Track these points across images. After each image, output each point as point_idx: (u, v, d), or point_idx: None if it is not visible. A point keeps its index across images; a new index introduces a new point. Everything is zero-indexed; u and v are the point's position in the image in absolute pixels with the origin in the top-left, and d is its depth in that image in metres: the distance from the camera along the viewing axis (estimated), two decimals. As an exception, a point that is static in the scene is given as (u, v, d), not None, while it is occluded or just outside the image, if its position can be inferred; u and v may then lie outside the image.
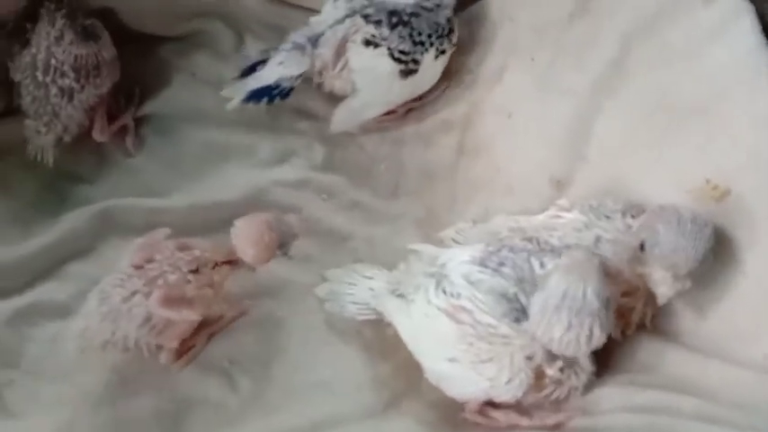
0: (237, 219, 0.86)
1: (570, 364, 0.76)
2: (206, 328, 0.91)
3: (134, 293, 0.84)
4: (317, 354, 0.91)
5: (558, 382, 0.76)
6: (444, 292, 0.79)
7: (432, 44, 1.02)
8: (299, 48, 1.02)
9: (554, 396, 0.77)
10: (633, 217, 0.81)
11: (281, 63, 1.02)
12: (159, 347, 0.87)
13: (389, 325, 0.86)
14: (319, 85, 1.05)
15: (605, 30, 0.92)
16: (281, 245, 0.86)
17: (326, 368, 0.89)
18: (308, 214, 1.01)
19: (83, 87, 1.03)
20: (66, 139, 1.05)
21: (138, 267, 0.85)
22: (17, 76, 1.04)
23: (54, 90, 1.02)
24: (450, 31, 1.04)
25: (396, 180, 1.05)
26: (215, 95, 1.08)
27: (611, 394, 0.78)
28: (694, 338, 0.80)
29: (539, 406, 0.79)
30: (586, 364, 0.77)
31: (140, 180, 1.07)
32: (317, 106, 1.09)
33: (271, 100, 1.02)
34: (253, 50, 1.14)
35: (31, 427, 0.87)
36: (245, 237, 0.86)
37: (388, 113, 1.07)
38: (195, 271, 0.86)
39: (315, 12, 1.07)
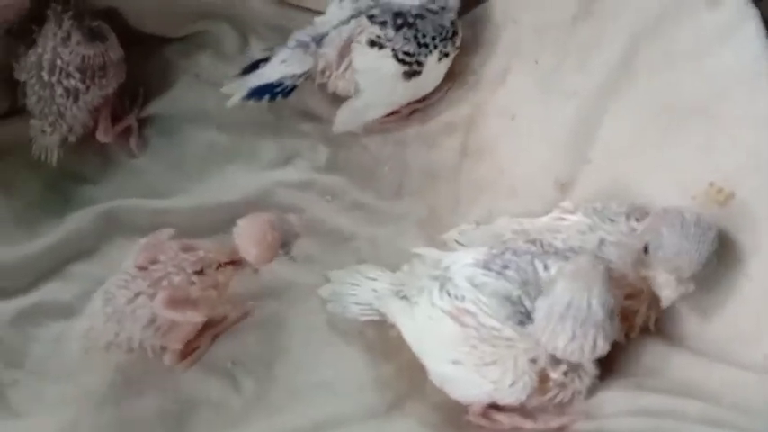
0: (240, 219, 0.86)
1: (574, 367, 0.76)
2: (210, 330, 0.91)
3: (138, 294, 0.84)
4: (319, 354, 0.91)
5: (562, 386, 0.76)
6: (448, 294, 0.79)
7: (435, 46, 1.02)
8: (303, 46, 1.02)
9: (558, 399, 0.77)
10: (637, 220, 0.81)
11: (284, 61, 1.02)
12: (163, 348, 0.87)
13: (392, 326, 0.86)
14: (322, 86, 1.05)
15: (609, 33, 0.92)
16: (283, 244, 0.87)
17: (329, 369, 0.89)
18: (311, 215, 1.01)
19: (88, 88, 1.03)
20: (71, 139, 1.05)
21: (143, 268, 0.85)
22: (22, 76, 1.04)
23: (59, 90, 1.02)
24: (454, 34, 1.04)
25: (399, 181, 1.05)
26: (219, 97, 1.08)
27: (614, 398, 0.78)
28: (698, 342, 0.80)
29: (542, 409, 0.79)
30: (590, 368, 0.77)
31: (144, 181, 1.07)
32: (321, 108, 1.09)
33: (272, 98, 1.02)
34: (257, 52, 1.14)
35: (35, 426, 0.87)
36: (247, 236, 0.86)
37: (391, 114, 1.07)
38: (200, 272, 0.86)
39: (319, 14, 1.07)
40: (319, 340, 0.91)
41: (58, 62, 1.02)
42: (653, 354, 0.81)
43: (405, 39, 1.01)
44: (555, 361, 0.75)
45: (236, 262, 0.88)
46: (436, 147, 1.06)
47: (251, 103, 1.03)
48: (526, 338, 0.75)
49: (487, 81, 1.06)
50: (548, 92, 0.97)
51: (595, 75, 0.92)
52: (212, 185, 1.04)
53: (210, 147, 1.09)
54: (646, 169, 0.86)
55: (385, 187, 1.05)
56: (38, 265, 0.99)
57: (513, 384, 0.75)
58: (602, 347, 0.73)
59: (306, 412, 0.86)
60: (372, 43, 1.01)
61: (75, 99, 1.03)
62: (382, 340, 0.89)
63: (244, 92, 1.02)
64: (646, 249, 0.77)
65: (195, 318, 0.86)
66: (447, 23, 1.03)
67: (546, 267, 0.77)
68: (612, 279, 0.74)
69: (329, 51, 1.02)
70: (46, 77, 1.02)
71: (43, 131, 1.04)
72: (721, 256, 0.77)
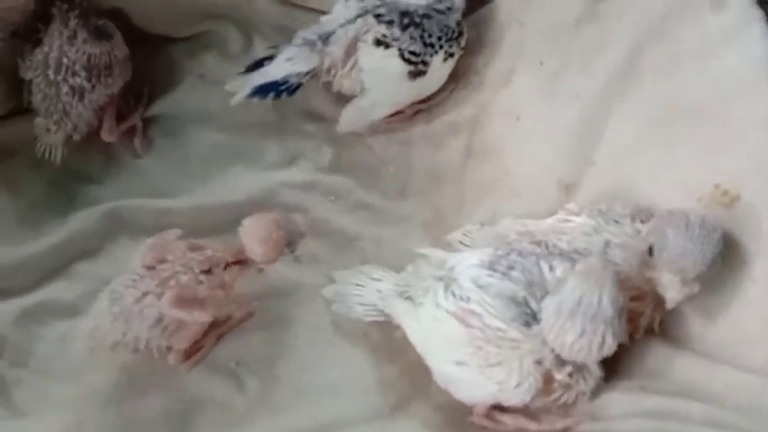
0: (245, 218, 0.87)
1: (579, 368, 0.76)
2: (214, 330, 0.91)
3: (146, 294, 0.84)
4: (323, 355, 0.91)
5: (567, 387, 0.76)
6: (453, 295, 0.79)
7: (441, 47, 1.02)
8: (309, 44, 1.02)
9: (562, 400, 0.77)
10: (642, 222, 0.81)
11: (289, 59, 1.01)
12: (168, 348, 0.87)
13: (397, 327, 0.86)
14: (327, 85, 1.05)
15: (614, 34, 0.92)
16: (288, 243, 0.87)
17: (333, 369, 0.89)
18: (315, 215, 1.01)
19: (94, 87, 1.03)
20: (76, 138, 1.05)
21: (150, 268, 0.85)
22: (28, 75, 1.04)
23: (65, 89, 1.02)
24: (460, 34, 1.04)
25: (403, 181, 1.05)
26: (223, 97, 1.08)
27: (619, 399, 0.78)
28: (702, 344, 0.80)
29: (546, 410, 0.79)
30: (595, 369, 0.77)
31: (148, 181, 1.07)
32: (325, 108, 1.09)
33: (277, 95, 1.02)
34: (261, 52, 1.13)
35: (40, 425, 0.87)
36: (253, 235, 0.86)
37: (395, 114, 1.07)
38: (207, 271, 0.86)
39: (323, 14, 1.07)
40: (324, 341, 0.91)
41: (65, 60, 1.02)
42: (657, 356, 0.81)
43: (411, 38, 1.01)
44: (560, 362, 0.75)
45: (242, 261, 0.88)
46: (441, 147, 1.06)
47: (255, 102, 1.03)
48: (531, 340, 0.75)
49: (492, 82, 1.06)
50: (552, 93, 0.97)
51: (600, 76, 0.92)
52: (216, 186, 1.04)
53: (215, 147, 1.09)
54: (650, 171, 0.86)
55: (389, 188, 1.05)
56: (42, 264, 0.99)
57: (518, 386, 0.76)
58: (610, 345, 0.72)
59: (310, 413, 0.87)
60: (378, 42, 1.01)
61: (81, 97, 1.03)
62: (387, 341, 0.89)
63: (248, 89, 1.01)
64: (650, 251, 0.77)
65: (202, 317, 0.86)
66: (453, 24, 1.03)
67: (551, 268, 0.77)
68: (618, 281, 0.74)
69: (335, 50, 1.02)
70: (52, 76, 1.02)
71: (48, 129, 1.04)
72: (726, 258, 0.77)
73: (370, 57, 1.02)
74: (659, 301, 0.79)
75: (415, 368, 0.85)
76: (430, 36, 1.02)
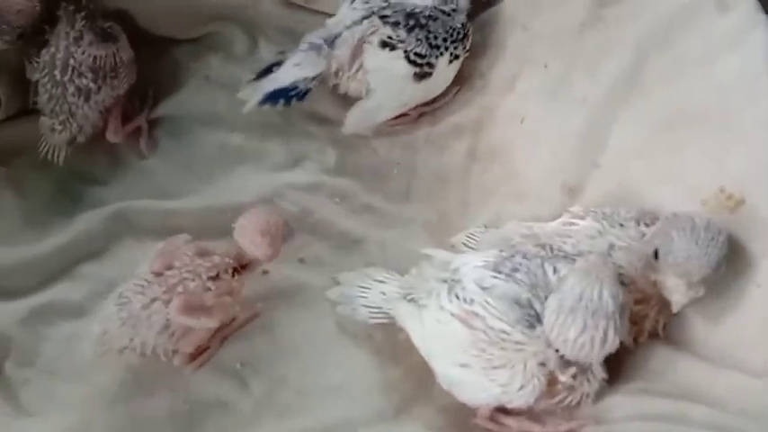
0: (237, 220, 0.87)
1: (583, 370, 0.76)
2: (219, 331, 0.91)
3: (154, 300, 0.84)
4: (328, 357, 0.91)
5: (571, 389, 0.76)
6: (457, 297, 0.79)
7: (447, 48, 1.02)
8: (315, 49, 1.02)
9: (566, 402, 0.77)
10: (647, 225, 0.82)
11: (297, 64, 1.02)
12: (174, 351, 0.87)
13: (401, 329, 0.86)
14: (335, 87, 1.05)
15: (618, 39, 0.92)
16: (285, 233, 0.87)
17: (338, 371, 0.90)
18: (320, 217, 1.02)
19: (99, 88, 1.04)
20: (80, 139, 1.06)
21: (159, 274, 0.86)
22: (35, 76, 1.05)
23: (71, 89, 1.03)
24: (465, 36, 1.04)
25: (408, 184, 1.06)
26: (228, 98, 1.09)
27: (622, 402, 0.78)
28: (705, 347, 0.80)
29: (550, 412, 0.80)
30: (598, 372, 0.77)
31: (154, 182, 1.07)
32: (330, 110, 1.09)
33: (287, 102, 1.02)
34: (266, 54, 1.14)
35: (47, 426, 0.87)
36: (252, 229, 0.86)
37: (400, 117, 1.08)
38: (215, 277, 0.86)
39: (328, 16, 1.07)
40: (328, 343, 0.92)
41: (71, 61, 1.02)
42: (660, 359, 0.81)
43: (417, 40, 1.01)
44: (564, 364, 0.75)
45: (249, 265, 0.88)
46: (445, 150, 1.06)
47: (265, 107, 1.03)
48: (535, 342, 0.75)
49: (496, 85, 1.06)
50: (557, 97, 0.97)
51: (605, 81, 0.92)
52: (221, 187, 1.04)
53: (220, 148, 1.09)
54: (655, 174, 0.86)
55: (394, 190, 1.05)
56: (48, 265, 0.99)
57: (521, 388, 0.76)
58: (613, 341, 0.72)
59: (314, 414, 0.87)
60: (384, 44, 1.02)
61: (87, 98, 1.03)
62: (391, 343, 0.89)
63: (258, 97, 1.02)
64: (656, 254, 0.77)
65: (209, 324, 0.86)
66: (458, 25, 1.03)
67: (556, 271, 0.77)
68: (622, 284, 0.74)
69: (342, 52, 1.02)
70: (58, 76, 1.02)
71: (53, 129, 1.04)
72: (730, 262, 0.77)
73: (375, 58, 1.02)
74: (664, 304, 0.79)
75: (418, 370, 0.85)
76: (435, 38, 1.02)
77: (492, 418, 0.81)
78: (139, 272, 0.87)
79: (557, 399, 0.77)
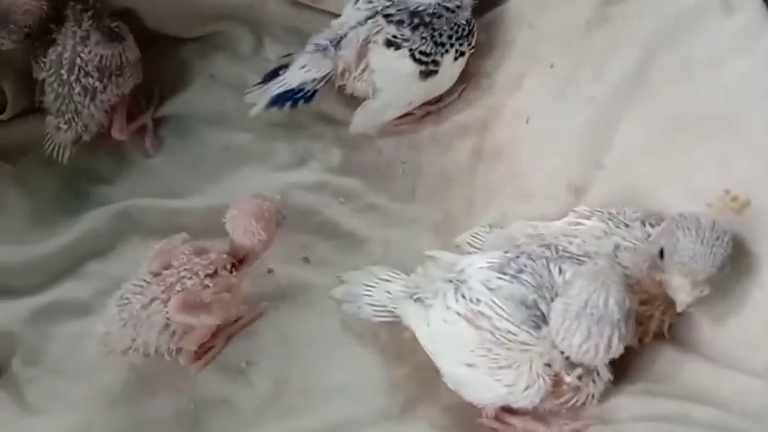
0: (228, 212, 0.88)
1: (588, 371, 0.76)
2: (224, 330, 0.91)
3: (153, 300, 0.85)
4: (333, 356, 0.91)
5: (576, 389, 0.77)
6: (463, 297, 0.79)
7: (452, 45, 1.02)
8: (321, 50, 1.02)
9: (571, 403, 0.78)
10: (652, 225, 0.82)
11: (303, 66, 1.02)
12: (179, 350, 0.88)
13: (406, 328, 0.86)
14: (341, 88, 1.05)
15: (625, 39, 0.92)
16: (278, 217, 0.88)
17: (342, 370, 0.90)
18: (325, 217, 1.02)
19: (105, 87, 1.04)
20: (86, 138, 1.06)
21: (156, 274, 0.86)
22: (41, 75, 1.05)
23: (78, 89, 1.03)
24: (470, 32, 1.04)
25: (413, 183, 1.06)
26: (234, 98, 1.09)
27: (628, 403, 0.78)
28: (711, 348, 0.80)
29: (555, 413, 0.80)
30: (604, 372, 0.77)
31: (159, 181, 1.07)
32: (335, 110, 1.09)
33: (294, 104, 1.02)
34: (272, 53, 1.14)
35: (52, 424, 0.88)
36: (244, 216, 0.87)
37: (405, 116, 1.08)
38: (213, 274, 0.86)
39: (334, 15, 1.07)
40: (333, 342, 0.92)
41: (78, 61, 1.02)
42: (666, 359, 0.81)
43: (422, 38, 1.01)
44: (569, 365, 0.75)
45: (246, 258, 0.89)
46: (450, 149, 1.06)
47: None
48: (541, 342, 0.75)
49: (502, 84, 1.06)
50: (563, 97, 0.97)
51: (611, 80, 0.92)
52: (227, 186, 1.04)
53: (225, 147, 1.09)
54: (661, 175, 0.86)
55: (399, 189, 1.05)
56: (54, 263, 1.00)
57: (527, 388, 0.76)
58: (617, 348, 0.73)
59: (319, 414, 0.87)
60: (389, 43, 1.01)
61: (93, 98, 1.04)
62: (396, 342, 0.90)
63: (266, 100, 1.02)
64: (661, 253, 0.77)
65: (209, 321, 0.86)
66: (463, 22, 1.03)
67: (561, 271, 0.77)
68: (627, 284, 0.74)
69: (348, 53, 1.02)
70: (65, 75, 1.03)
71: (58, 128, 1.05)
72: (735, 263, 0.77)
73: (381, 58, 1.02)
74: (669, 304, 0.79)
75: (424, 369, 0.86)
76: (440, 35, 1.02)
77: (497, 418, 0.82)
78: (138, 272, 0.87)
79: (562, 399, 0.77)
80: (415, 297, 0.85)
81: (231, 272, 0.87)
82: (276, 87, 1.02)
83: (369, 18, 1.03)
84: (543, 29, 1.02)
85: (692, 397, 0.77)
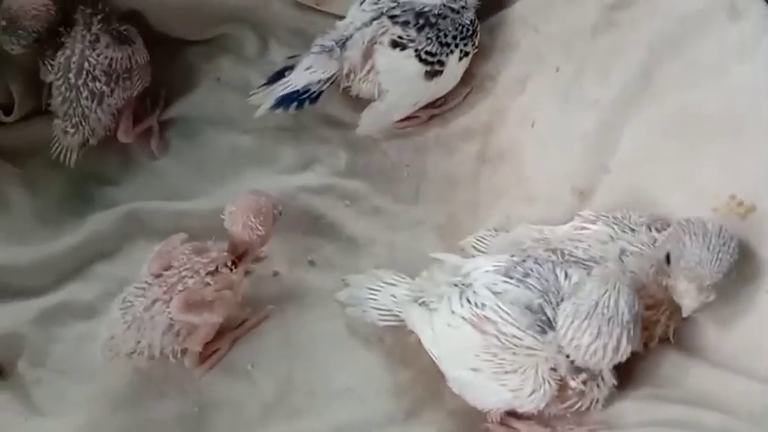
0: (226, 209, 0.88)
1: (593, 376, 0.76)
2: (230, 333, 0.92)
3: (155, 302, 0.85)
4: (338, 359, 0.91)
5: (581, 394, 0.77)
6: (468, 301, 0.79)
7: (457, 45, 1.02)
8: (327, 51, 1.02)
9: (576, 407, 0.78)
10: (658, 230, 0.82)
11: (308, 68, 1.02)
12: (184, 351, 0.88)
13: (411, 332, 0.86)
14: (347, 89, 1.05)
15: (631, 43, 0.92)
16: (275, 212, 0.89)
17: (348, 374, 0.90)
18: (331, 220, 1.02)
19: (113, 91, 1.04)
20: (92, 141, 1.06)
21: (158, 276, 0.86)
22: (49, 77, 1.05)
23: (85, 93, 1.03)
24: (474, 32, 1.04)
25: (418, 186, 1.06)
26: (240, 100, 1.09)
27: (633, 408, 0.78)
28: (716, 353, 0.80)
29: (560, 417, 0.80)
30: (609, 377, 0.77)
31: (166, 183, 1.07)
32: (342, 112, 1.10)
33: (300, 105, 1.02)
34: (277, 55, 1.14)
35: (58, 425, 0.88)
36: (242, 212, 0.87)
37: (410, 119, 1.08)
38: (214, 271, 0.87)
39: (339, 18, 1.07)
40: (338, 345, 0.92)
41: (86, 65, 1.03)
42: (671, 364, 0.81)
43: (427, 38, 1.01)
44: (575, 369, 0.75)
45: (245, 255, 0.89)
46: (455, 152, 1.06)
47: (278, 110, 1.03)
48: (547, 347, 0.75)
49: (506, 87, 1.06)
50: (568, 100, 0.97)
51: (616, 83, 0.92)
52: (233, 188, 1.04)
53: (231, 150, 1.09)
54: (666, 180, 0.86)
55: (403, 192, 1.05)
56: (61, 264, 1.00)
57: (532, 393, 0.76)
58: (625, 350, 0.73)
59: (324, 417, 0.87)
60: (395, 44, 1.02)
61: (100, 102, 1.04)
62: (401, 346, 0.90)
63: (271, 101, 1.02)
64: (667, 258, 0.77)
65: (212, 318, 0.87)
66: (467, 22, 1.03)
67: (567, 276, 0.77)
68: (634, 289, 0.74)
69: (353, 54, 1.02)
70: (73, 79, 1.03)
71: (65, 131, 1.05)
72: (740, 268, 0.77)
73: (386, 59, 1.02)
74: (674, 309, 0.79)
75: (428, 373, 0.86)
76: (445, 36, 1.02)
77: (502, 423, 0.82)
78: (140, 275, 0.88)
79: (567, 404, 0.77)
80: (420, 301, 0.85)
81: (231, 269, 0.88)
82: (281, 89, 1.02)
83: (374, 19, 1.03)
84: (548, 32, 1.02)
85: (697, 402, 0.77)
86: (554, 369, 0.75)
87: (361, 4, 1.05)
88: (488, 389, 0.78)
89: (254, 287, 0.93)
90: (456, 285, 0.82)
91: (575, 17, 0.99)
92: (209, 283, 0.86)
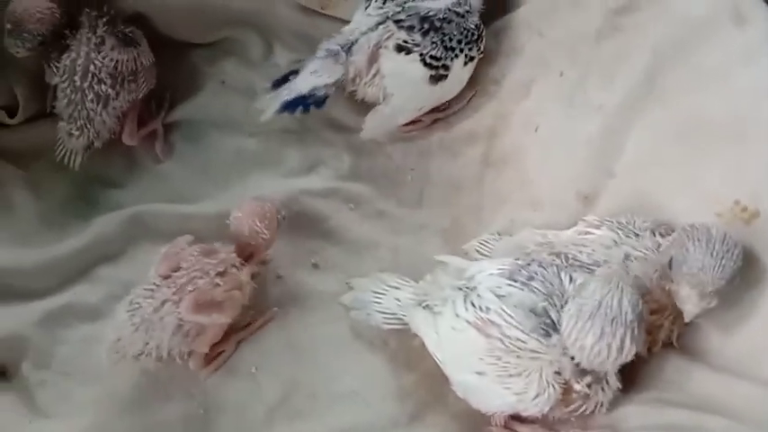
0: (231, 215, 0.90)
1: (598, 379, 0.76)
2: (235, 335, 0.92)
3: (164, 303, 0.85)
4: (342, 362, 0.91)
5: (586, 398, 0.77)
6: (473, 305, 0.79)
7: (461, 50, 1.03)
8: (332, 55, 1.02)
9: (580, 411, 0.78)
10: (662, 235, 0.82)
11: (314, 72, 1.02)
12: (190, 353, 0.88)
13: (415, 335, 0.86)
14: (352, 93, 1.06)
15: (635, 48, 0.92)
16: (279, 217, 0.91)
17: (352, 377, 0.90)
18: (335, 223, 1.02)
19: (118, 94, 1.04)
20: (97, 144, 1.06)
21: (166, 277, 0.86)
22: (54, 80, 1.06)
23: (90, 95, 1.03)
24: (479, 37, 1.04)
25: (421, 190, 1.06)
26: (244, 103, 1.09)
27: (637, 412, 0.78)
28: (720, 358, 0.80)
29: (564, 421, 0.80)
30: (613, 381, 0.77)
31: (170, 186, 1.08)
32: (347, 116, 1.10)
33: (305, 109, 1.03)
34: (282, 59, 1.15)
35: (63, 427, 0.88)
36: (248, 217, 0.89)
37: (415, 122, 1.08)
38: (223, 272, 0.87)
39: (344, 22, 1.08)
40: (342, 348, 0.92)
41: (91, 68, 1.03)
42: (675, 369, 0.81)
43: (432, 43, 1.02)
44: (579, 373, 0.75)
45: (252, 256, 0.90)
46: (459, 156, 1.07)
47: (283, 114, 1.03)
48: (551, 350, 0.75)
49: (510, 92, 1.06)
50: (573, 105, 0.97)
51: (621, 88, 0.92)
52: (237, 192, 1.04)
53: (236, 153, 1.09)
54: (671, 185, 0.86)
55: (407, 196, 1.05)
56: (65, 267, 1.00)
57: (536, 396, 0.76)
58: (629, 350, 0.72)
59: (327, 420, 0.87)
60: (400, 48, 1.02)
61: (105, 105, 1.04)
62: (405, 349, 0.90)
63: (276, 106, 1.02)
64: (670, 263, 0.77)
65: (221, 319, 0.87)
66: (472, 26, 1.03)
67: (572, 280, 0.78)
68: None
69: (359, 58, 1.02)
70: (78, 82, 1.03)
71: (70, 134, 1.05)
72: (744, 273, 0.77)
73: (392, 63, 1.02)
74: (678, 314, 0.79)
75: (432, 377, 0.86)
76: (450, 40, 1.02)
77: (506, 426, 0.82)
78: (147, 276, 0.88)
79: (571, 407, 0.77)
80: (424, 304, 0.85)
81: (240, 269, 0.88)
82: (287, 93, 1.02)
83: (379, 24, 1.03)
84: (553, 37, 1.03)
85: (701, 406, 0.77)
86: (558, 372, 0.75)
87: (367, 8, 1.05)
88: (492, 392, 0.78)
89: (258, 290, 0.93)
90: (460, 289, 0.82)
91: (579, 22, 0.99)
92: (218, 284, 0.86)
